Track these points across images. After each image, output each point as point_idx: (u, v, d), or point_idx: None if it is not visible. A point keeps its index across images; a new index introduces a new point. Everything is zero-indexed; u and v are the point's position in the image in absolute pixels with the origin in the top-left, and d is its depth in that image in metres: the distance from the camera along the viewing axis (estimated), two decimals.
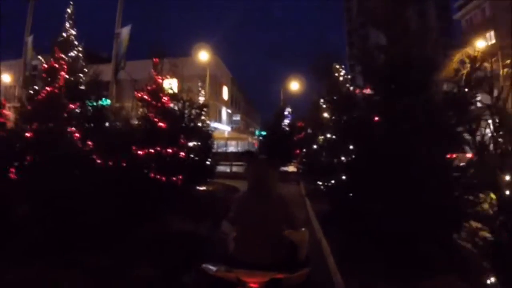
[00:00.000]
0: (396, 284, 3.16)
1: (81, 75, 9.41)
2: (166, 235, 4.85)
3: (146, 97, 6.44)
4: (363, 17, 4.70)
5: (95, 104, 7.48)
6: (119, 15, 12.34)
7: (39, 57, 9.58)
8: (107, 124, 6.99)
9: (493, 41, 23.96)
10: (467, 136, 3.75)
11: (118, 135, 5.93)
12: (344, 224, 4.06)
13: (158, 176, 5.75)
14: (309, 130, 13.11)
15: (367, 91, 4.41)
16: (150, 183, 5.50)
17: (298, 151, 16.08)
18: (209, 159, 9.65)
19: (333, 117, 5.86)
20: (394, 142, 3.37)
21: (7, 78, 22.88)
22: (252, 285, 1.82)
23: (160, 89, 6.43)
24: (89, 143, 6.36)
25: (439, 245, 3.43)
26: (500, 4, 23.20)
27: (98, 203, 4.11)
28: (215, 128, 35.01)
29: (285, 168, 17.89)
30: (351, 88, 5.07)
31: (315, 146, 9.50)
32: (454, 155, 3.48)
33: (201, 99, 9.69)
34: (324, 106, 7.73)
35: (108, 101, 8.93)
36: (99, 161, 6.41)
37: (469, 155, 3.85)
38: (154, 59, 6.90)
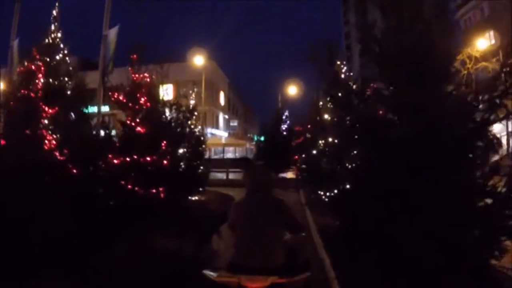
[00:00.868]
0: None
1: (66, 79, 8.85)
2: (137, 258, 4.11)
3: (121, 98, 5.74)
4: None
5: (82, 110, 6.89)
6: (106, 16, 11.80)
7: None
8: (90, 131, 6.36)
9: (493, 41, 23.57)
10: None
11: (92, 142, 5.25)
12: (355, 250, 3.35)
13: (137, 188, 5.04)
14: (307, 135, 12.50)
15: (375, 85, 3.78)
16: (125, 196, 4.79)
17: (296, 157, 15.45)
18: (201, 167, 8.96)
19: (335, 119, 5.21)
20: (421, 144, 2.69)
21: None
22: None
23: (137, 89, 5.73)
24: (66, 151, 5.71)
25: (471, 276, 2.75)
26: (498, 4, 22.87)
27: (49, 221, 3.39)
28: (212, 134, 34.44)
29: (284, 175, 17.24)
30: (354, 86, 4.38)
31: (314, 152, 8.84)
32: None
33: (192, 103, 9.00)
34: (325, 105, 7.05)
35: (95, 108, 8.30)
36: (75, 170, 5.77)
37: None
38: (132, 56, 6.23)
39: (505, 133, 10.99)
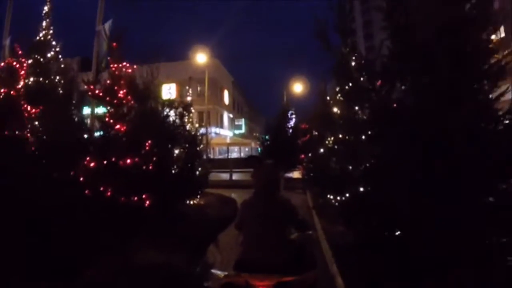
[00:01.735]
0: None
1: (58, 77, 8.28)
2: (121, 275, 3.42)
3: (97, 92, 5.05)
4: None
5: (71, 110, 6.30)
6: (100, 11, 11.25)
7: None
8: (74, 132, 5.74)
9: (503, 34, 22.42)
10: None
11: (72, 144, 4.61)
12: (379, 277, 2.62)
13: (117, 196, 4.35)
14: (314, 132, 11.73)
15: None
16: (103, 206, 4.11)
17: (303, 156, 14.73)
18: (199, 169, 8.27)
19: (346, 111, 4.47)
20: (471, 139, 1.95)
21: None
22: None
23: (116, 82, 5.01)
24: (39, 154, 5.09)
25: None
26: None
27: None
28: (217, 134, 33.75)
29: (290, 174, 16.52)
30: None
31: (322, 150, 8.07)
32: None
33: (189, 99, 8.33)
34: (334, 97, 6.27)
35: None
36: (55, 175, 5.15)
37: None
38: (112, 44, 5.55)
39: None
